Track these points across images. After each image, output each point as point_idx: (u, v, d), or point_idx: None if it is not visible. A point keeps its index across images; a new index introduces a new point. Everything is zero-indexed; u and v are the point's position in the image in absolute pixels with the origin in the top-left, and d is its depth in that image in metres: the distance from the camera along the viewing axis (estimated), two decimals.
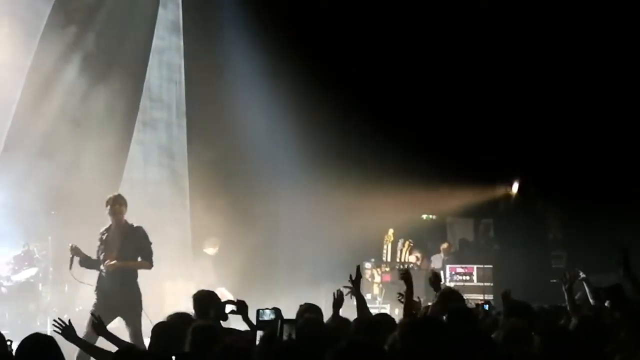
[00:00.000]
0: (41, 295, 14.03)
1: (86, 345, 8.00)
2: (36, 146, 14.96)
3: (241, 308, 8.07)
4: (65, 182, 14.81)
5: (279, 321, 6.72)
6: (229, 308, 8.03)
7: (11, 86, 14.97)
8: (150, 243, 11.27)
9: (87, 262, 11.15)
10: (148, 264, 11.25)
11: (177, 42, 18.49)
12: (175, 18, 18.35)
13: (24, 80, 15.02)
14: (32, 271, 14.15)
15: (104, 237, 11.19)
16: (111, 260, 10.96)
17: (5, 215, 14.26)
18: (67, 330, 7.65)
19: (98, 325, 8.19)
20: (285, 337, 6.56)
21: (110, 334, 8.15)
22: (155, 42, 17.57)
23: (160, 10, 17.66)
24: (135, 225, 11.29)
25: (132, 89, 16.88)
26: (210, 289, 8.72)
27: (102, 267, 11.01)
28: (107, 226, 11.23)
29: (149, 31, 17.30)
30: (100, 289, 11.02)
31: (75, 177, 14.95)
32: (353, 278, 8.89)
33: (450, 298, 8.54)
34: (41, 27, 15.25)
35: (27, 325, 13.24)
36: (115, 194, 11.46)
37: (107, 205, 11.16)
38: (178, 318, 7.42)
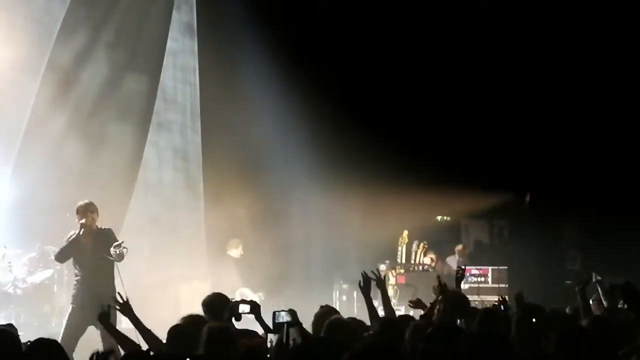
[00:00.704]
0: (56, 296, 14.06)
1: (139, 326, 8.12)
2: (51, 149, 15.00)
3: (254, 308, 8.07)
4: (80, 184, 14.85)
5: (285, 325, 6.75)
6: (242, 308, 8.03)
7: (26, 89, 15.02)
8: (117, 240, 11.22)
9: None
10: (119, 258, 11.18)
11: (191, 44, 18.52)
12: (189, 20, 18.38)
13: (39, 83, 15.06)
14: (47, 273, 14.18)
15: (76, 243, 11.15)
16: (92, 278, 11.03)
17: (20, 217, 14.31)
18: (124, 306, 8.25)
19: (104, 315, 8.33)
20: (291, 342, 6.58)
21: (114, 328, 8.34)
22: (169, 44, 17.60)
23: (174, 13, 17.69)
24: (102, 227, 11.31)
25: (146, 91, 16.91)
26: (234, 290, 8.71)
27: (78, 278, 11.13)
28: (77, 231, 11.15)
29: (163, 33, 17.33)
30: (76, 297, 11.09)
31: (90, 179, 14.99)
32: (372, 278, 9.01)
33: (457, 302, 8.54)
34: (56, 29, 15.30)
35: (42, 326, 13.29)
36: (86, 201, 11.29)
37: (77, 214, 11.17)
38: (192, 320, 7.43)
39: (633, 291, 7.64)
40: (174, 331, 7.23)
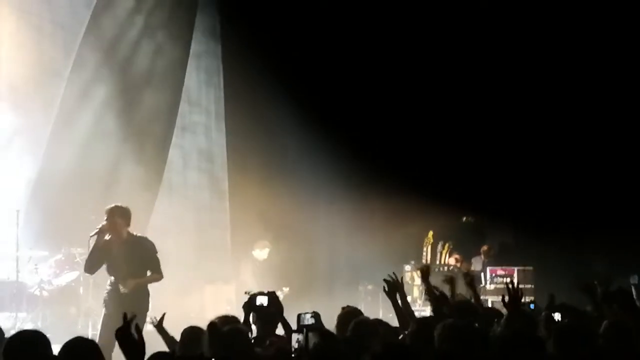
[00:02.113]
0: (82, 298, 14.09)
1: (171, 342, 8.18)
2: (76, 151, 15.05)
3: (272, 301, 8.03)
4: (105, 187, 14.91)
5: (304, 329, 6.74)
6: (259, 301, 8.00)
7: (52, 91, 15.08)
8: (157, 252, 10.98)
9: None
10: (158, 276, 10.95)
11: (215, 46, 18.58)
12: (213, 22, 18.43)
13: (65, 85, 15.13)
14: (73, 275, 14.22)
15: (106, 251, 10.87)
16: (125, 281, 10.72)
17: (46, 219, 14.37)
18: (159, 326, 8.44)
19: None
20: (310, 345, 6.59)
21: (164, 329, 8.39)
22: (193, 46, 17.64)
23: (198, 15, 17.73)
24: (138, 235, 11.07)
25: (171, 94, 16.96)
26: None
27: (120, 286, 10.75)
28: (95, 233, 10.84)
29: (187, 36, 17.37)
30: (109, 302, 10.86)
31: (115, 182, 15.04)
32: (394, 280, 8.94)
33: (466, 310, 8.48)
34: (81, 32, 15.36)
35: (69, 328, 13.32)
36: (111, 205, 10.94)
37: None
38: (227, 321, 7.44)
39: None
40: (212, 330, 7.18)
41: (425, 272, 9.40)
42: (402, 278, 9.26)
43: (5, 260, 13.90)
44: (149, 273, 10.97)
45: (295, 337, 7.02)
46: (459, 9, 17.96)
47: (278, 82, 17.87)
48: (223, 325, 7.21)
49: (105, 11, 15.65)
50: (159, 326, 8.46)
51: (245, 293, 8.31)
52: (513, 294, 7.84)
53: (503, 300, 7.92)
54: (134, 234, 11.02)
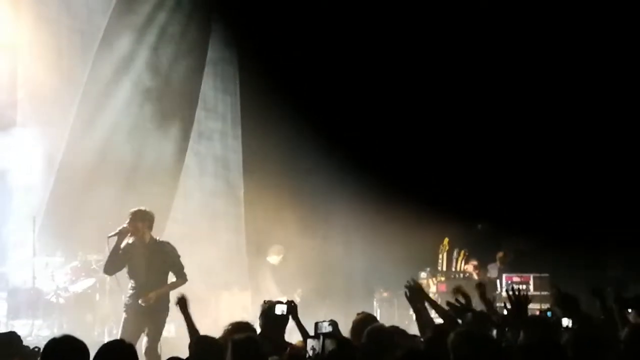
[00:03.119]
0: (98, 305, 14.11)
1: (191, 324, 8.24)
2: (93, 157, 15.10)
3: (291, 309, 8.06)
4: (122, 194, 14.94)
5: (321, 336, 6.76)
6: (279, 309, 8.01)
7: (69, 99, 15.15)
8: (179, 256, 11.00)
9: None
10: (182, 281, 10.91)
11: (231, 53, 18.60)
12: (228, 30, 18.45)
13: (82, 91, 15.18)
14: (89, 282, 14.24)
15: (127, 254, 10.87)
16: (146, 293, 10.70)
17: (62, 226, 14.42)
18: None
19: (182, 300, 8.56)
20: (326, 352, 6.60)
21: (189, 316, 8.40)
22: (209, 53, 17.69)
23: (214, 24, 17.77)
24: (160, 239, 11.08)
25: (187, 100, 17.00)
26: (271, 299, 8.63)
27: (139, 300, 10.74)
28: (114, 234, 10.85)
29: (203, 43, 17.42)
30: (130, 307, 10.87)
31: (131, 189, 15.08)
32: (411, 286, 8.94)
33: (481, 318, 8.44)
34: (98, 38, 15.42)
35: (85, 335, 13.22)
36: (134, 209, 10.94)
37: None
38: (240, 328, 7.44)
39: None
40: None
41: (418, 292, 9.11)
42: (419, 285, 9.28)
43: (22, 267, 13.94)
44: (171, 278, 10.97)
45: (310, 343, 7.02)
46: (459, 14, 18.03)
47: (293, 89, 17.90)
48: (237, 332, 7.22)
49: (123, 18, 15.70)
50: (184, 308, 8.48)
51: (265, 302, 8.30)
52: (516, 301, 7.77)
53: (505, 307, 7.83)
54: (157, 238, 11.03)
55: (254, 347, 6.77)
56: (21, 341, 7.15)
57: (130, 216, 10.83)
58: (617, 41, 17.78)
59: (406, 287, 8.90)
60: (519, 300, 7.86)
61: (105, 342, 6.10)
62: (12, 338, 7.16)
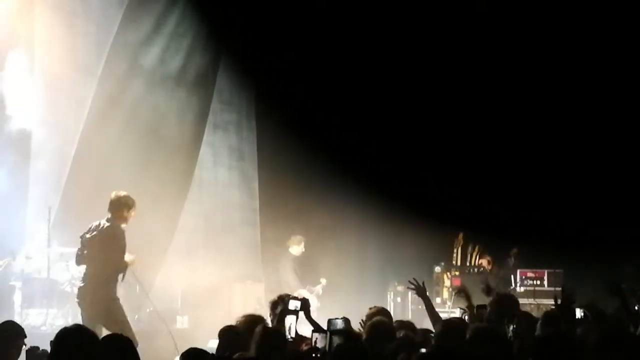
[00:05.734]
0: None
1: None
2: (107, 149, 15.09)
3: (304, 305, 8.08)
4: (137, 186, 14.92)
5: (328, 333, 6.79)
6: (292, 305, 8.04)
7: (85, 90, 15.15)
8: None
9: None
10: None
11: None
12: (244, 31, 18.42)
13: (97, 83, 15.18)
14: None
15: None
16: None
17: (77, 216, 14.42)
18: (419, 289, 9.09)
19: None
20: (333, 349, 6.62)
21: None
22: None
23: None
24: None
25: (203, 92, 16.97)
26: (291, 292, 8.68)
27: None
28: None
29: (219, 35, 17.40)
30: None
31: (146, 179, 15.07)
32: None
33: (504, 304, 8.44)
34: (113, 31, 15.41)
35: None
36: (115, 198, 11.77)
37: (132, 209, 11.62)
38: (253, 320, 7.45)
39: None
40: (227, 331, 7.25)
41: (423, 291, 9.39)
42: (423, 282, 9.39)
43: (37, 257, 13.99)
44: None
45: (315, 336, 7.08)
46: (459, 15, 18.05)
47: (309, 81, 17.90)
48: (250, 324, 7.26)
49: (138, 10, 15.68)
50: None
51: (279, 297, 8.33)
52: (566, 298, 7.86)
53: (555, 302, 8.00)
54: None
55: (281, 338, 6.84)
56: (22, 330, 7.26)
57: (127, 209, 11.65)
58: (617, 41, 17.75)
59: (409, 288, 9.11)
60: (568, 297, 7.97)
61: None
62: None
